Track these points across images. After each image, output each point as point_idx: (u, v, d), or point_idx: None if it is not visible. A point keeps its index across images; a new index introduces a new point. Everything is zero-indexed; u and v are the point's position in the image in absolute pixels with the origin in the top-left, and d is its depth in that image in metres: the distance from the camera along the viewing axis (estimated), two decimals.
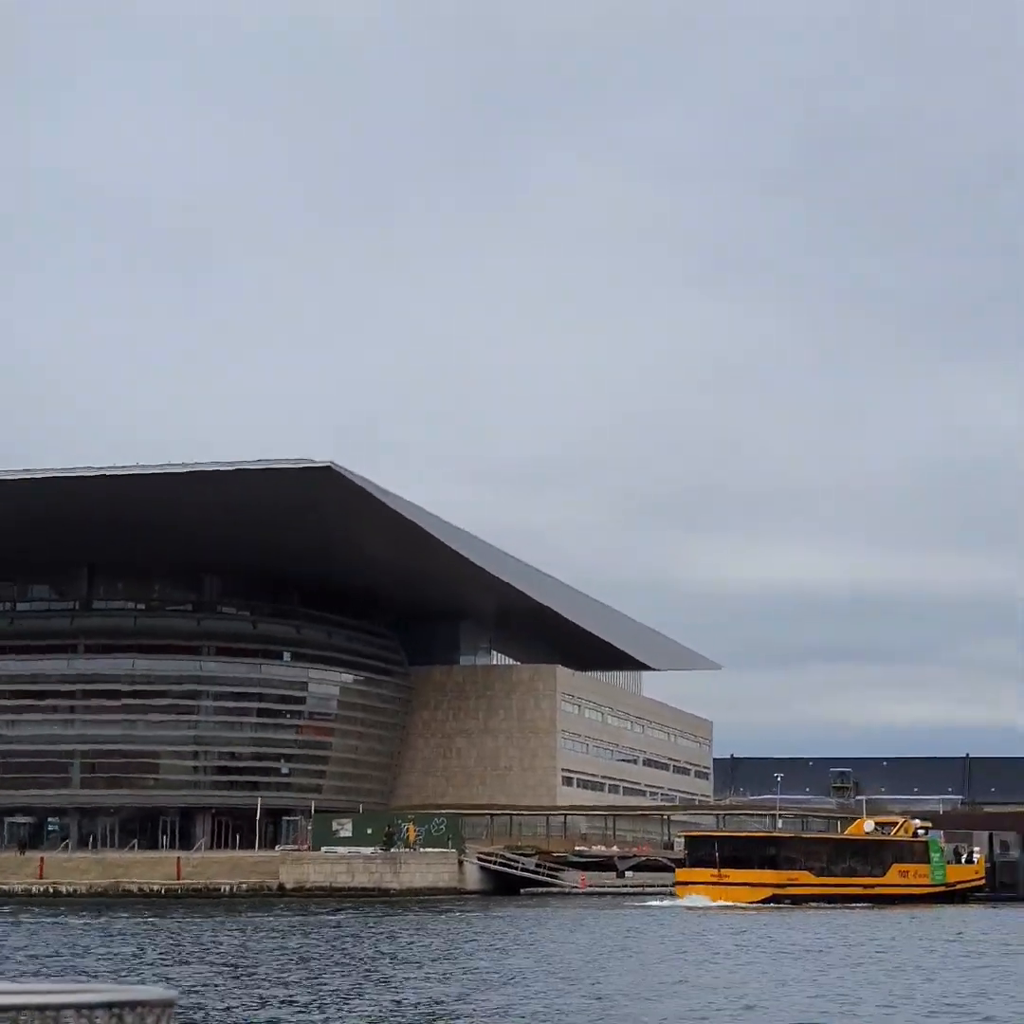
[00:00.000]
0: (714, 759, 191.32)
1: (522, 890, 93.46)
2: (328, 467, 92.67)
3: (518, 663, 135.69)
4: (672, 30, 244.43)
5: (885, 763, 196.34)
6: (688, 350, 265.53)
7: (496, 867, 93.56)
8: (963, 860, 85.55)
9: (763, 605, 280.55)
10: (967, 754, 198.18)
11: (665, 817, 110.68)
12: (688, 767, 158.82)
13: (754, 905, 73.31)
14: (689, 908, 71.15)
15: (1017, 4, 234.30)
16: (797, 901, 75.25)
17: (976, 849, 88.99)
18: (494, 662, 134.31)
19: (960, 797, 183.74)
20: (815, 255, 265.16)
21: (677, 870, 79.67)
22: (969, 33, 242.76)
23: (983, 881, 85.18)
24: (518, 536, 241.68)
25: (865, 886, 79.24)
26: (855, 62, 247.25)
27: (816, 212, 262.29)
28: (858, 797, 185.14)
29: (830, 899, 76.62)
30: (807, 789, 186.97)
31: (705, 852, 77.89)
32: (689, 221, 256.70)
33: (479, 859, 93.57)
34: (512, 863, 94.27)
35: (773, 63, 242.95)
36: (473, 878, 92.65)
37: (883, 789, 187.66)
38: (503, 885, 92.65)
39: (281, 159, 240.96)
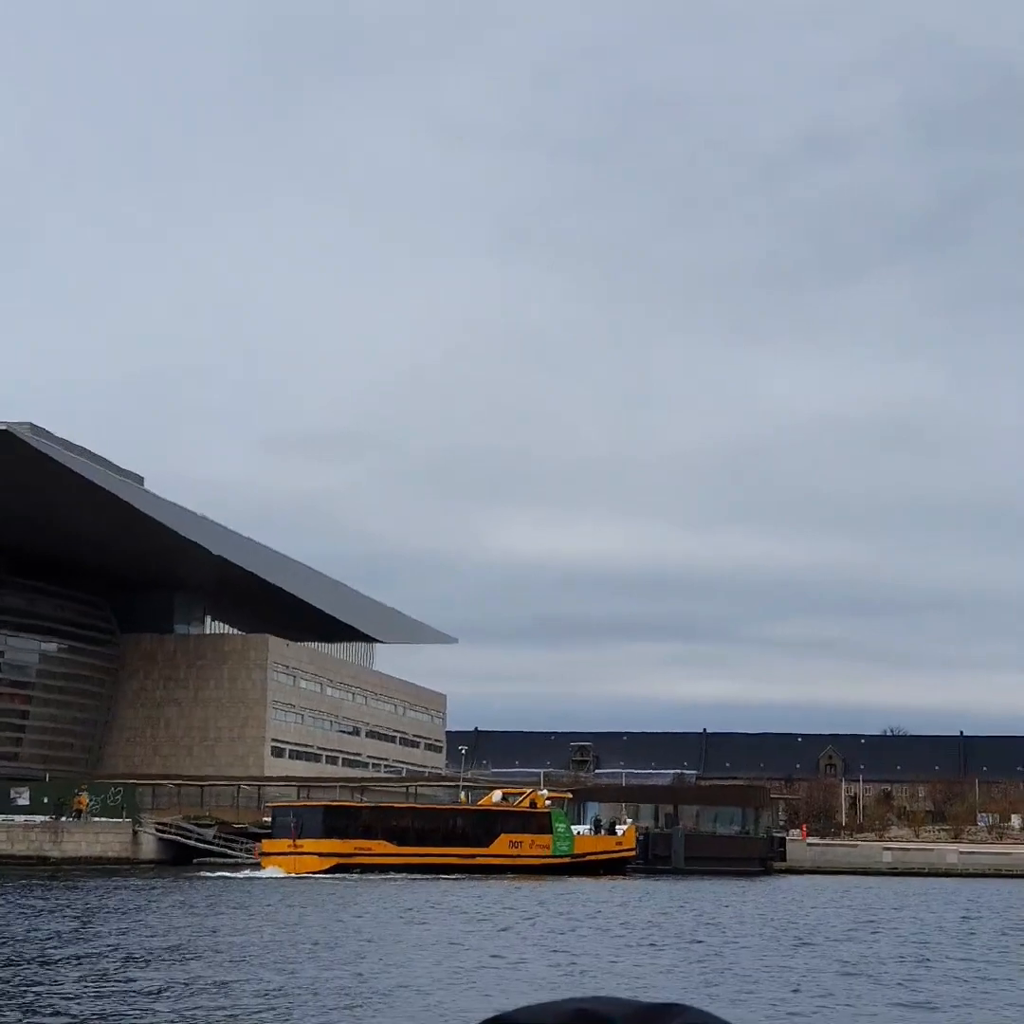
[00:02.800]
0: (458, 732, 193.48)
1: (195, 860, 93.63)
2: (4, 431, 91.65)
3: (234, 632, 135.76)
4: None
5: (625, 738, 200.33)
6: (486, 319, 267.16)
7: (172, 837, 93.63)
8: (603, 832, 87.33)
9: (553, 578, 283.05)
10: (704, 729, 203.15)
11: (359, 786, 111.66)
12: (417, 740, 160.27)
13: (319, 874, 74.77)
14: (265, 878, 72.29)
15: None
16: (368, 870, 76.60)
17: (628, 821, 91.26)
18: (209, 631, 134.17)
19: (695, 772, 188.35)
20: (616, 227, 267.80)
21: (263, 841, 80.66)
22: (773, 9, 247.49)
23: (631, 853, 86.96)
24: (309, 503, 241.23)
25: (463, 856, 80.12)
26: (656, 33, 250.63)
27: (617, 184, 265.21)
28: (597, 770, 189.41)
29: (414, 868, 78.02)
30: (548, 763, 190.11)
31: (284, 822, 79.22)
32: (489, 189, 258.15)
33: (156, 829, 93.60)
34: (188, 833, 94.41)
35: (575, 32, 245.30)
36: (149, 848, 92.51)
37: (622, 763, 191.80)
38: (180, 855, 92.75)
39: (68, 112, 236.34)
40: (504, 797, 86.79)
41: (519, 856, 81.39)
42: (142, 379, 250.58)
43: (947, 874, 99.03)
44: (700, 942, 40.62)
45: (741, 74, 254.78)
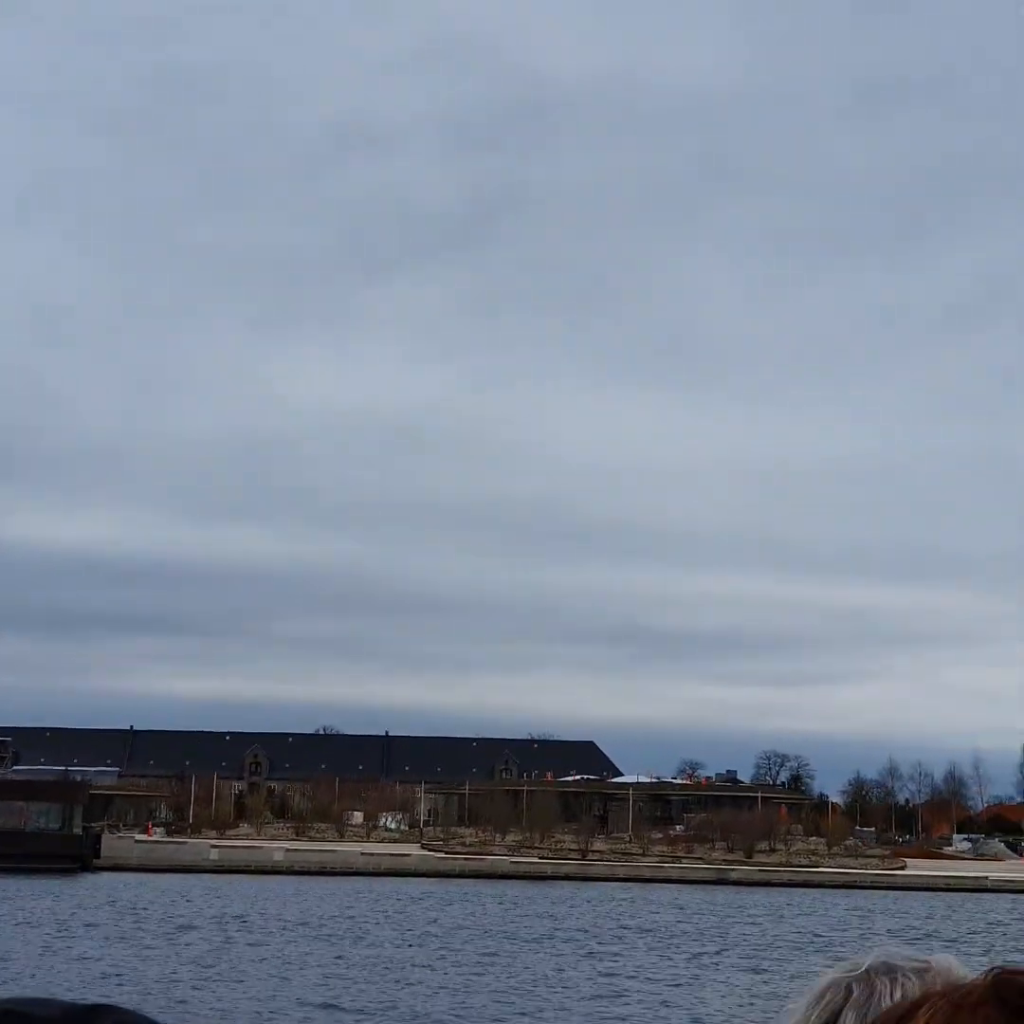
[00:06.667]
0: None
1: None
2: None
3: None
4: None
5: (48, 734, 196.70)
6: (4, 292, 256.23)
7: None
8: None
9: (45, 567, 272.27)
10: (131, 727, 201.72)
11: None
12: None
13: None
14: None
15: None
16: None
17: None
18: None
19: (118, 769, 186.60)
20: (145, 203, 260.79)
21: None
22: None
23: None
24: None
25: None
26: (198, 8, 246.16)
27: (147, 159, 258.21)
28: (16, 766, 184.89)
29: None
30: None
31: None
32: (12, 150, 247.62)
33: None
34: None
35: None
36: None
37: (43, 759, 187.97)
38: None
39: None
40: None
41: None
42: None
43: (273, 872, 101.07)
44: None
45: (280, 60, 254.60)
